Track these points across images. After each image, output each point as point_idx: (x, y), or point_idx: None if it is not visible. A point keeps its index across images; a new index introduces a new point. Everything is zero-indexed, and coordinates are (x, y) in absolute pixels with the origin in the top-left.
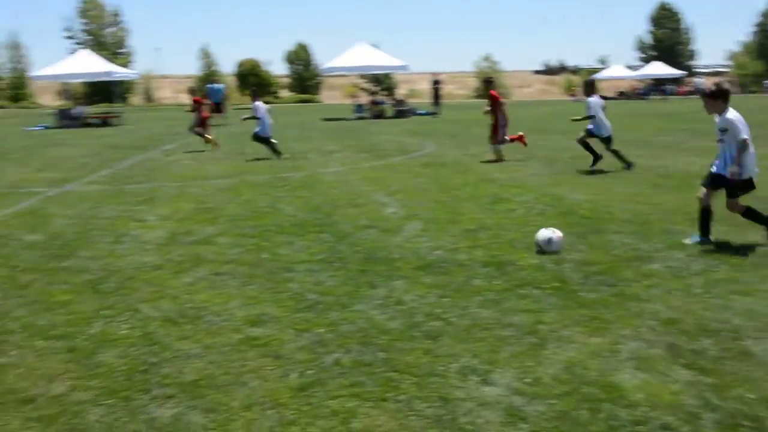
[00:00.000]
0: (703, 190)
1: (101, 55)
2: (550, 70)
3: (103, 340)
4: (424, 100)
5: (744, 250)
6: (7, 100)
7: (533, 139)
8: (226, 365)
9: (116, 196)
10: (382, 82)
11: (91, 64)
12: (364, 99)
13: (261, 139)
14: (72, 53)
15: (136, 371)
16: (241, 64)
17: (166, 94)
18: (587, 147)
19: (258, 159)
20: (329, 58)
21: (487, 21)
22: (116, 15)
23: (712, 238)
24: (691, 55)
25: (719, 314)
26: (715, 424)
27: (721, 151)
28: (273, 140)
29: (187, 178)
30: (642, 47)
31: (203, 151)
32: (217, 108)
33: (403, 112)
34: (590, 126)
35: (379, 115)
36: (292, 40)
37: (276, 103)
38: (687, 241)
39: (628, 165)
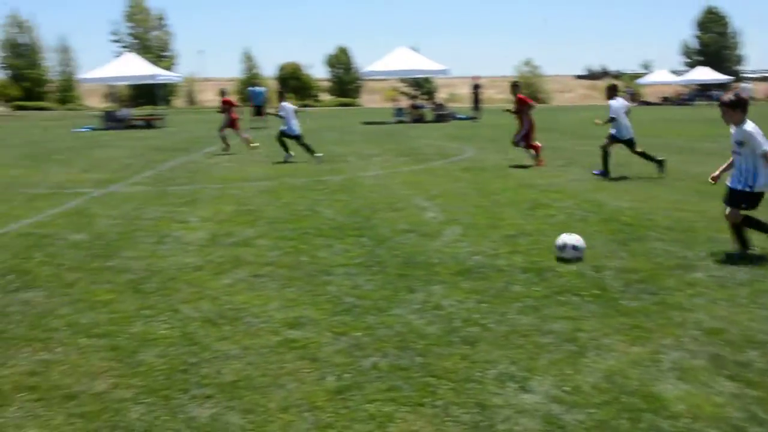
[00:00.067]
0: (728, 208)
1: (146, 58)
2: (592, 75)
3: (144, 340)
4: (464, 105)
5: None
6: (55, 102)
7: (574, 144)
8: (264, 367)
9: (159, 198)
10: (422, 86)
11: (136, 67)
12: (404, 103)
13: (287, 136)
14: (118, 56)
15: (176, 371)
16: (282, 68)
17: (208, 96)
18: (605, 156)
19: (294, 162)
20: (370, 61)
21: (528, 25)
22: (161, 19)
23: (756, 248)
24: (739, 60)
25: (766, 325)
26: None
27: (737, 164)
28: (302, 138)
29: (228, 180)
30: (687, 52)
31: (234, 153)
32: (258, 111)
33: (442, 116)
34: (613, 130)
35: (419, 119)
36: (333, 44)
37: (316, 106)
38: (733, 254)
39: (659, 162)
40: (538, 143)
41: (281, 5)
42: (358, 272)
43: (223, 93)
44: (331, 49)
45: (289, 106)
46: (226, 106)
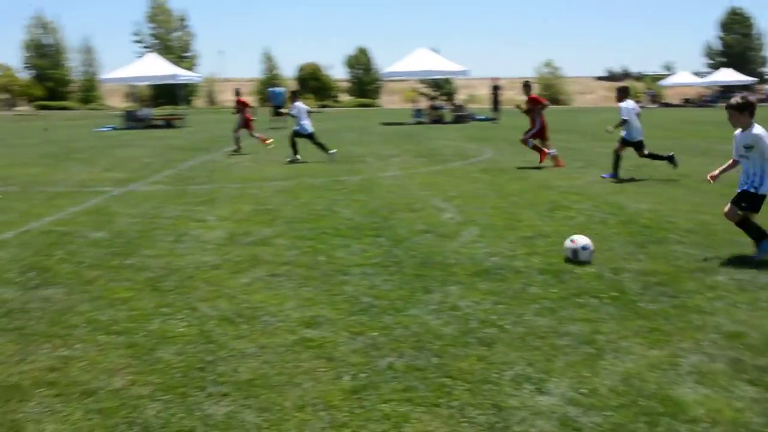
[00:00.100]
0: (727, 205)
1: (168, 59)
2: (612, 77)
3: (162, 337)
4: (484, 106)
5: None
6: (77, 102)
7: (593, 146)
8: (280, 365)
9: (178, 197)
10: (442, 87)
11: (157, 68)
12: (423, 104)
13: (300, 136)
14: (140, 57)
15: (192, 368)
16: (302, 68)
17: (228, 97)
18: (617, 159)
19: (312, 162)
20: (389, 62)
21: (549, 26)
22: (183, 20)
23: None
24: (763, 62)
25: None
26: None
27: (744, 168)
28: (315, 136)
29: (246, 180)
30: (710, 53)
31: (248, 153)
32: (278, 111)
33: (461, 117)
34: (623, 133)
35: (438, 120)
36: (352, 45)
37: (335, 106)
38: (755, 257)
39: (669, 158)
40: (545, 149)
41: (301, 6)
42: (375, 272)
43: (237, 93)
44: (350, 49)
45: (301, 105)
46: (240, 106)
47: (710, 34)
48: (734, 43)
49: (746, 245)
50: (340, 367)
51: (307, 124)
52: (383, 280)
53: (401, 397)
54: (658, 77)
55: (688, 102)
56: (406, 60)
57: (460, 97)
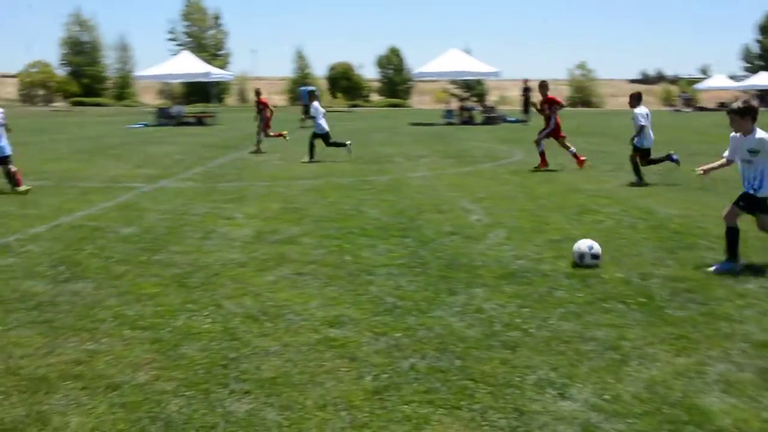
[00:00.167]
0: (757, 219)
1: (201, 57)
2: (646, 80)
3: (187, 333)
4: (515, 108)
5: None
6: (112, 99)
7: (625, 149)
8: (302, 364)
9: (207, 194)
10: (473, 88)
11: (190, 66)
12: (454, 104)
13: (317, 136)
14: (174, 54)
15: (216, 365)
16: (333, 68)
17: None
18: (635, 166)
19: (340, 162)
20: (421, 63)
21: (583, 28)
22: (217, 18)
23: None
24: None
25: None
26: None
27: (745, 173)
28: (329, 136)
29: (275, 178)
30: (748, 57)
31: (260, 153)
32: (308, 111)
33: (492, 118)
34: (636, 140)
35: (468, 121)
36: (384, 45)
37: (365, 106)
38: (712, 268)
39: (669, 158)
40: (545, 160)
41: (334, 5)
42: (400, 273)
43: (258, 93)
44: (382, 49)
45: (319, 107)
46: (262, 106)
47: (748, 38)
48: None
49: None
50: (362, 367)
51: (324, 124)
52: (408, 281)
53: (423, 399)
54: (694, 80)
55: (723, 106)
56: (437, 60)
57: (491, 98)
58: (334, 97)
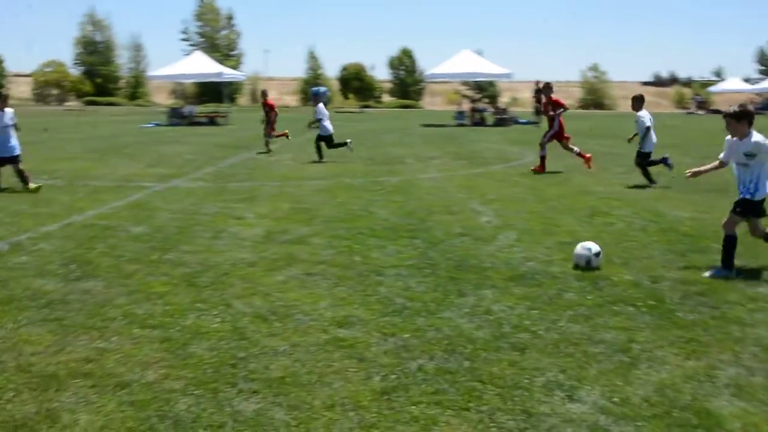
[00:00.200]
0: (750, 223)
1: (214, 57)
2: (660, 82)
3: (196, 332)
4: (527, 109)
5: None
6: (124, 98)
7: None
8: (311, 364)
9: (218, 194)
10: (485, 89)
11: (203, 66)
12: (465, 106)
13: (323, 139)
14: (187, 54)
15: (224, 364)
16: (345, 68)
17: (271, 95)
18: (645, 171)
19: (351, 162)
20: (433, 64)
21: (596, 30)
22: (230, 18)
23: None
24: None
25: None
26: None
27: (741, 177)
28: (332, 138)
29: (286, 178)
30: (763, 59)
31: (266, 153)
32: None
33: (503, 120)
34: (639, 144)
35: (480, 123)
36: (396, 46)
37: (377, 107)
38: (708, 272)
39: (663, 162)
40: (544, 165)
41: (346, 6)
42: (409, 274)
43: (264, 95)
44: (394, 50)
45: (324, 109)
46: (269, 107)
47: (763, 40)
48: None
49: None
50: (370, 367)
51: (329, 126)
52: (417, 282)
53: (431, 400)
54: (708, 83)
55: None
56: (449, 62)
57: (503, 99)
58: (346, 97)
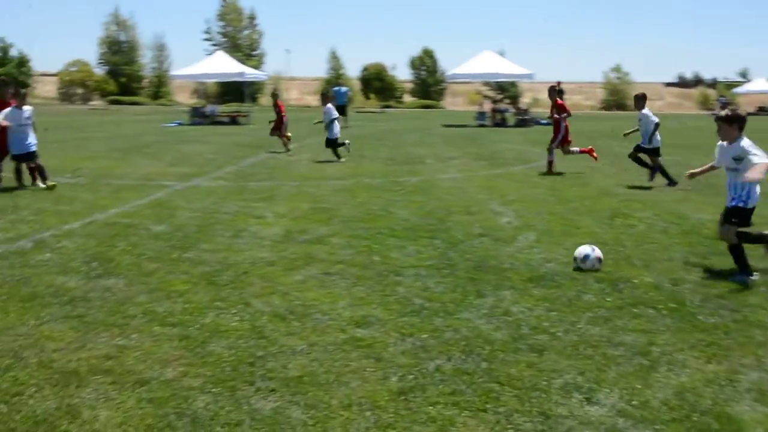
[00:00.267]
0: (722, 227)
1: (236, 57)
2: (683, 83)
3: (215, 331)
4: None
5: None
6: (147, 98)
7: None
8: (328, 364)
9: (238, 193)
10: (506, 90)
11: (225, 65)
12: (487, 106)
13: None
14: (209, 54)
15: (243, 363)
16: (366, 68)
17: (293, 95)
18: (661, 170)
19: (371, 162)
20: (454, 64)
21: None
22: (252, 18)
23: (757, 275)
24: None
25: None
26: None
27: (732, 182)
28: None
29: (306, 178)
30: None
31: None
32: (341, 111)
33: (525, 121)
34: (643, 140)
35: (501, 123)
36: (418, 46)
37: (398, 107)
38: (733, 278)
39: (648, 167)
40: (551, 169)
41: (368, 6)
42: (428, 274)
43: (276, 96)
44: (416, 50)
45: (333, 110)
46: (279, 108)
47: None
48: None
49: None
50: (388, 367)
51: (334, 129)
52: (436, 283)
53: (448, 401)
54: (733, 84)
55: (762, 110)
56: (471, 62)
57: (524, 100)
58: (367, 97)
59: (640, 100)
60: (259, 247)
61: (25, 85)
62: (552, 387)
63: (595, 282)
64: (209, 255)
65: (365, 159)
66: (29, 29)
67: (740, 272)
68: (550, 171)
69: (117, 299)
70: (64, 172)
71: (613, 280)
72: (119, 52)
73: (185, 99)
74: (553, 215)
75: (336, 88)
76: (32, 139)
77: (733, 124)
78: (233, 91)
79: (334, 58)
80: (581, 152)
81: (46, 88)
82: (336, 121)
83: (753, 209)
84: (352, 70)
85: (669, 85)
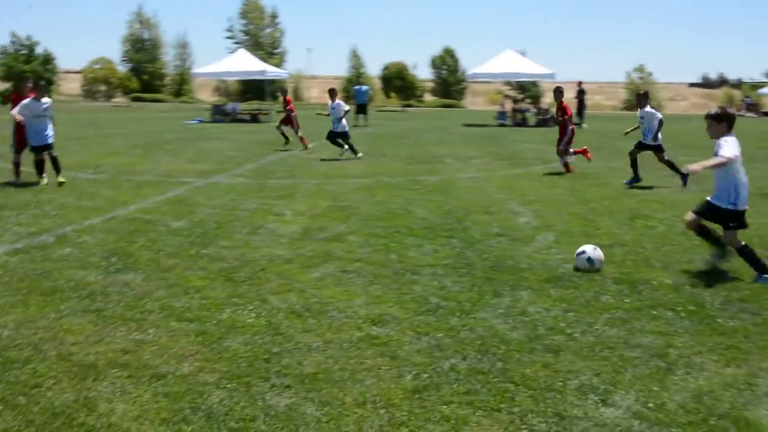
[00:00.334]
0: (691, 215)
1: (257, 55)
2: (707, 83)
3: (231, 327)
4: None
5: None
6: (170, 95)
7: (681, 154)
8: (343, 361)
9: (258, 190)
10: (527, 90)
11: (246, 63)
12: (507, 106)
13: (338, 135)
14: (231, 52)
15: (258, 359)
16: (387, 67)
17: (313, 93)
18: (670, 165)
19: (391, 161)
20: (475, 64)
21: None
22: (274, 16)
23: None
24: None
25: None
26: None
27: (716, 180)
28: (343, 138)
29: (326, 176)
30: None
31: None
32: (361, 109)
33: (545, 120)
34: (646, 138)
35: (521, 123)
36: (439, 45)
37: (419, 106)
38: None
39: (635, 173)
40: (569, 169)
41: (389, 4)
42: (445, 273)
43: (284, 93)
44: (436, 50)
45: (343, 106)
46: (287, 104)
47: None
48: None
49: None
50: (403, 366)
51: (345, 124)
52: (453, 282)
53: (462, 400)
54: (758, 85)
55: None
56: (492, 62)
57: (545, 100)
58: (388, 96)
59: (642, 98)
60: (277, 245)
61: (51, 82)
62: (567, 388)
63: (614, 283)
64: (227, 251)
65: (385, 158)
66: (55, 28)
67: (760, 273)
68: (568, 170)
69: (135, 294)
70: (86, 168)
71: (631, 281)
72: (142, 50)
73: (207, 97)
74: (572, 216)
75: (357, 87)
76: (50, 131)
77: (721, 122)
78: (254, 89)
79: (355, 56)
80: (575, 153)
81: (70, 86)
82: (344, 118)
83: (744, 211)
84: (373, 69)
85: (693, 85)
